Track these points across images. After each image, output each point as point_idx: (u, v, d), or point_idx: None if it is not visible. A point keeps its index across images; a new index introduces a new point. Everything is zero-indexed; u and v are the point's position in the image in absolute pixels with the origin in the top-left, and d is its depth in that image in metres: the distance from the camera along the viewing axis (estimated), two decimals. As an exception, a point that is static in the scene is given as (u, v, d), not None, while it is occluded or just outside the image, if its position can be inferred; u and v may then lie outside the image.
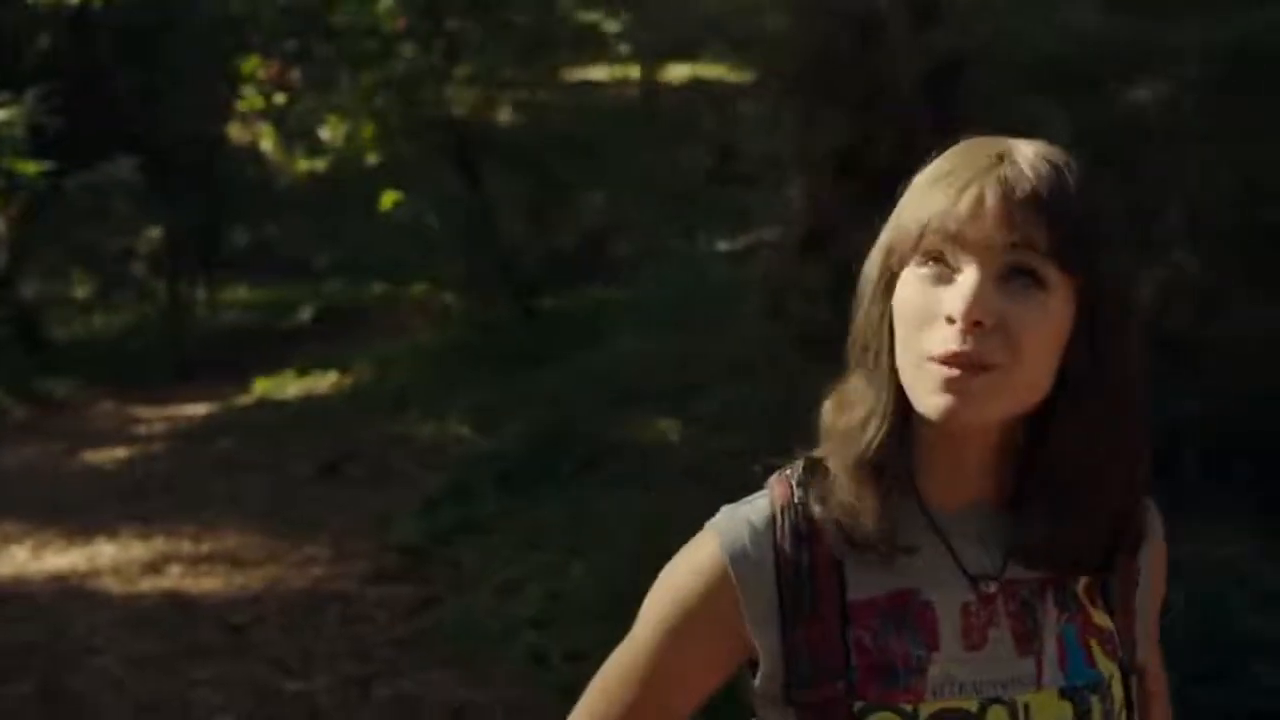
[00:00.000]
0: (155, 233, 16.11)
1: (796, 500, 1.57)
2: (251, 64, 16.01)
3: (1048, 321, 1.49)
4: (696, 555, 1.60)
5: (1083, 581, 1.61)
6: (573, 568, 6.23)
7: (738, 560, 1.56)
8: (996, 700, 1.54)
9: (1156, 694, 1.74)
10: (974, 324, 1.47)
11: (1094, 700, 1.57)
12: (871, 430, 1.54)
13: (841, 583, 1.56)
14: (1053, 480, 1.54)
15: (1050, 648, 1.58)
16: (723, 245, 6.92)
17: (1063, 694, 1.57)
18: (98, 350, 14.46)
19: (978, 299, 1.47)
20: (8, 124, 10.87)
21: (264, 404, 10.80)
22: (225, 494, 8.29)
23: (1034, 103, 5.89)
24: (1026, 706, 1.55)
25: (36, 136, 11.89)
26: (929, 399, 1.49)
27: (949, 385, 1.47)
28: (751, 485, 1.62)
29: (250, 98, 16.38)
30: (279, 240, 17.37)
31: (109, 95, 15.03)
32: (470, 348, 10.64)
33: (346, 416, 9.74)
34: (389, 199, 13.81)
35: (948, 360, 1.47)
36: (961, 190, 1.50)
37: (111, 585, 6.94)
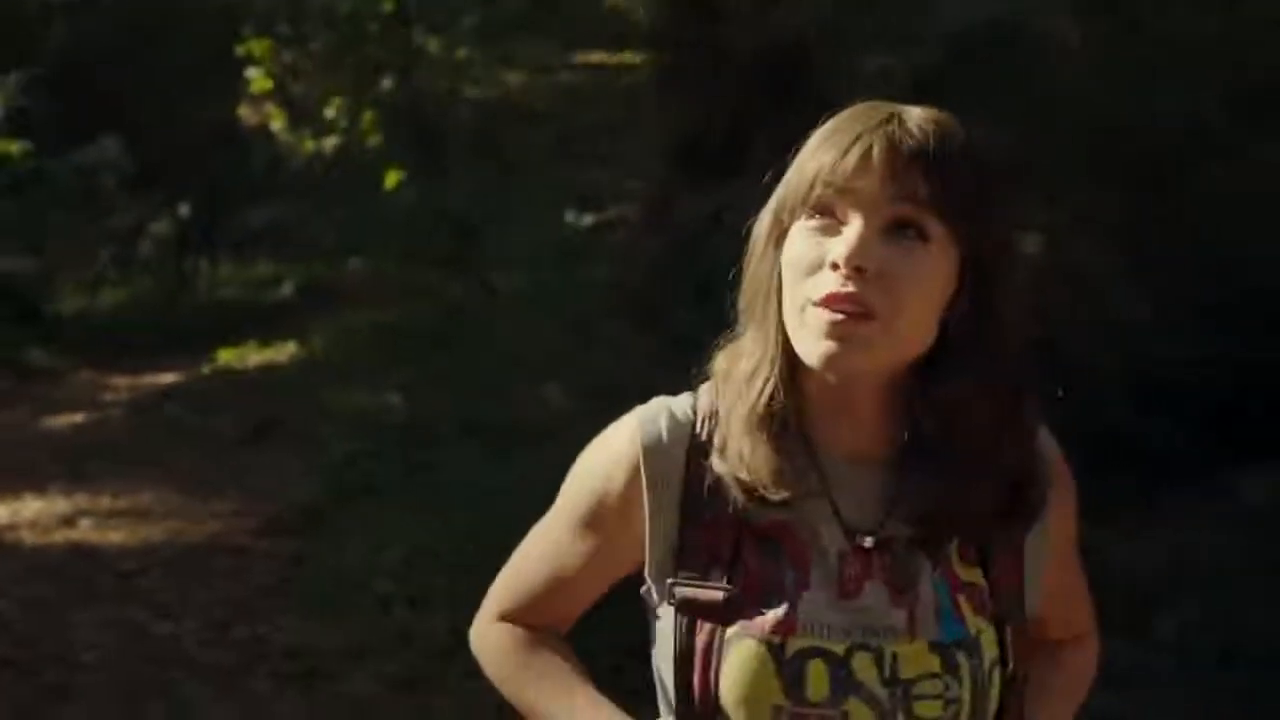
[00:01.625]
0: (159, 212, 16.66)
1: (713, 425, 1.62)
2: (261, 46, 16.43)
3: (929, 273, 1.54)
4: (614, 441, 1.67)
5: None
6: (440, 526, 6.60)
7: (651, 451, 1.62)
8: (864, 647, 1.57)
9: (1065, 641, 1.75)
10: (856, 270, 1.51)
11: (961, 657, 1.59)
12: (760, 382, 1.58)
13: (739, 510, 1.60)
14: (933, 440, 1.57)
15: (926, 601, 1.60)
16: (582, 220, 7.31)
17: (933, 648, 1.59)
18: (95, 324, 14.95)
19: (860, 246, 1.52)
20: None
21: (222, 373, 11.23)
22: (155, 455, 8.72)
23: (875, 79, 6.14)
24: (895, 656, 1.58)
25: (22, 118, 12.39)
26: (811, 344, 1.54)
27: (830, 330, 1.52)
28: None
29: (258, 79, 16.83)
30: (290, 220, 17.84)
31: (106, 79, 15.47)
32: (425, 323, 11.01)
33: (290, 385, 10.14)
34: (393, 178, 14.23)
35: (828, 302, 1.52)
36: (849, 145, 1.55)
37: (26, 537, 7.37)
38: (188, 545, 7.11)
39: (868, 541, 1.59)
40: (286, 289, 14.75)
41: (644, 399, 1.70)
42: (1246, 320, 5.99)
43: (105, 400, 11.02)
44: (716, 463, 1.58)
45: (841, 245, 1.52)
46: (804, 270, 1.55)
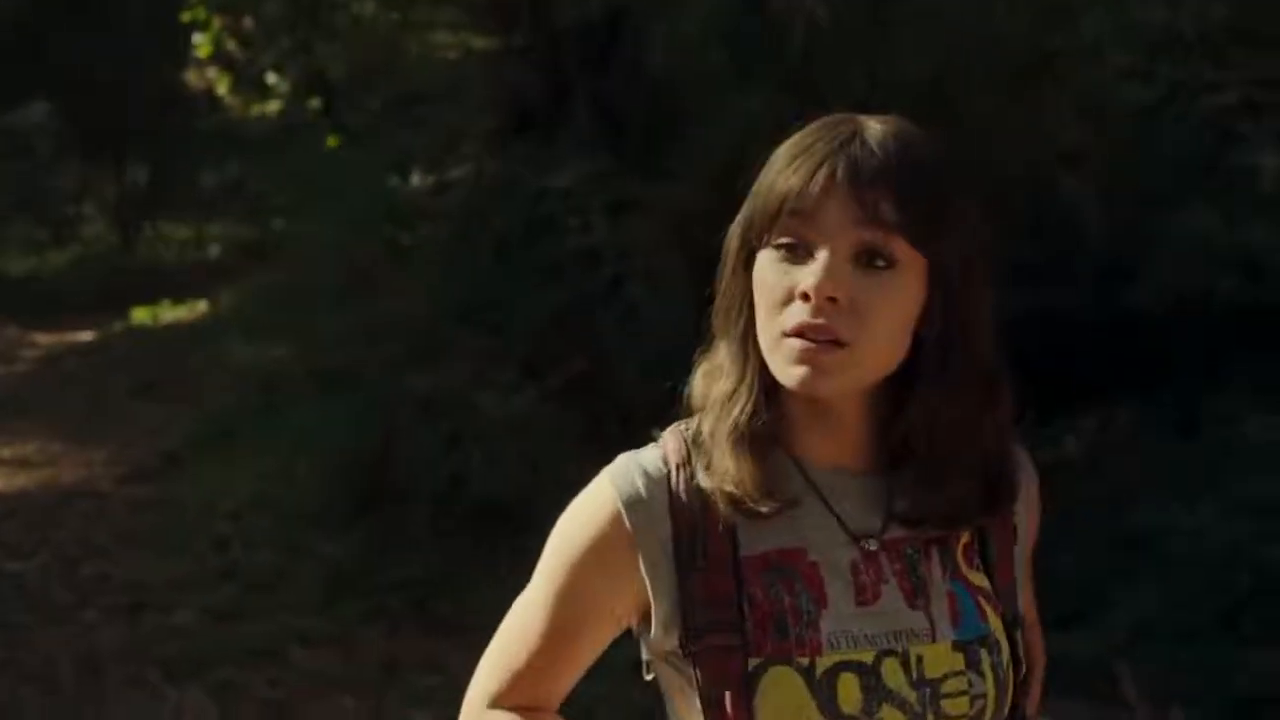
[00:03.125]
0: (103, 176, 17.13)
1: (691, 459, 1.61)
2: (200, 12, 16.81)
3: (897, 299, 1.55)
4: (590, 503, 1.64)
5: (961, 542, 1.66)
6: (279, 473, 7.11)
7: (631, 506, 1.60)
8: (891, 652, 1.58)
9: (1033, 642, 1.77)
10: (827, 300, 1.53)
11: (983, 653, 1.62)
12: (743, 400, 1.59)
13: (734, 541, 1.59)
14: (919, 445, 1.60)
15: (941, 603, 1.62)
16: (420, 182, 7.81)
17: (955, 646, 1.61)
18: (33, 284, 15.46)
19: (829, 277, 1.53)
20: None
21: (133, 331, 11.73)
22: (48, 407, 9.23)
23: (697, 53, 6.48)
24: (920, 658, 1.59)
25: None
26: (786, 370, 1.55)
27: (803, 358, 1.54)
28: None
29: (203, 44, 17.25)
30: (231, 184, 18.29)
31: (55, 44, 15.84)
32: (329, 286, 11.47)
33: (190, 342, 10.64)
34: (333, 142, 14.69)
35: (800, 331, 1.54)
36: (814, 170, 1.55)
37: (-94, 483, 7.89)
38: (57, 490, 7.63)
39: (872, 544, 1.61)
40: (214, 250, 15.23)
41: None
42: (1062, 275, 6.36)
43: (19, 355, 11.52)
44: (703, 479, 1.59)
45: (811, 276, 1.54)
46: (776, 300, 1.56)
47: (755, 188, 1.61)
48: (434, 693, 5.28)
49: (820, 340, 1.53)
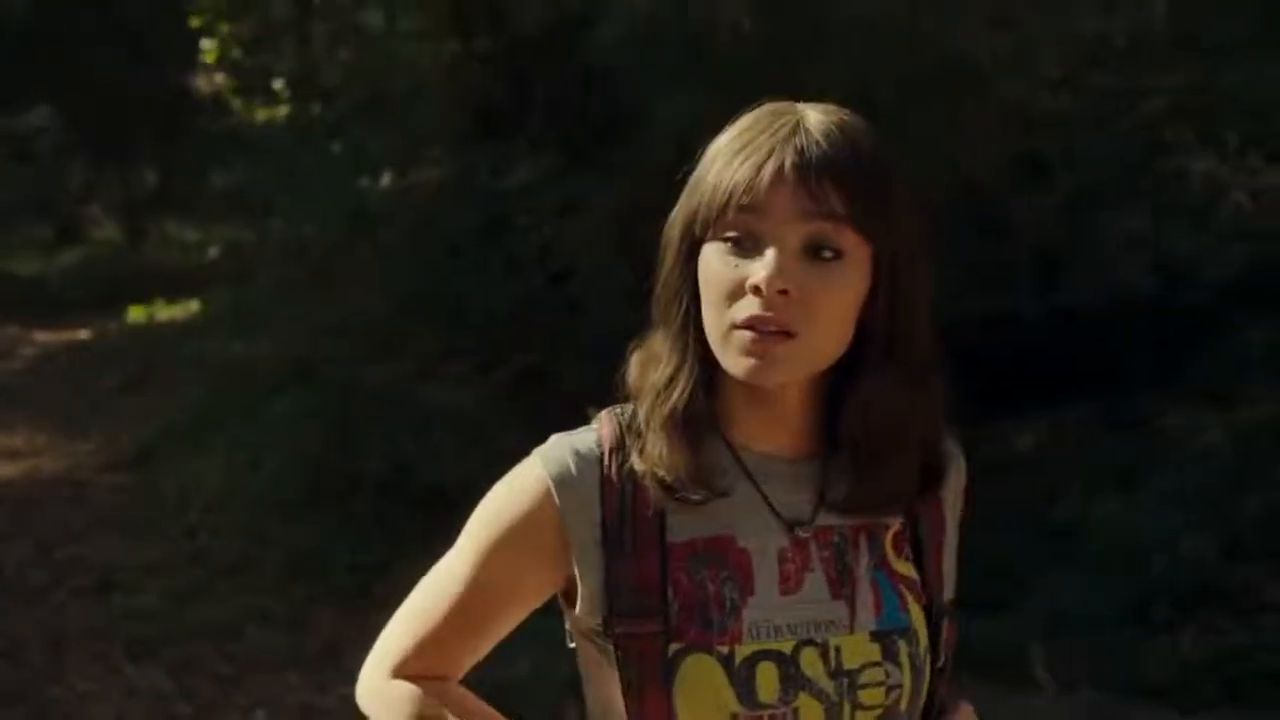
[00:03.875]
0: (112, 178, 17.46)
1: (625, 443, 1.61)
2: (200, 19, 17.09)
3: (845, 289, 1.57)
4: (520, 479, 1.63)
5: (891, 530, 1.67)
6: (249, 466, 7.37)
7: (562, 484, 1.60)
8: (810, 642, 1.60)
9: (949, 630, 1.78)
10: (778, 293, 1.54)
11: (901, 644, 1.63)
12: (680, 387, 1.60)
13: (662, 526, 1.60)
14: (856, 432, 1.61)
15: (864, 592, 1.63)
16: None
17: (873, 637, 1.62)
18: (40, 284, 15.78)
19: (779, 270, 1.54)
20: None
21: (127, 330, 12.02)
22: (39, 402, 9.52)
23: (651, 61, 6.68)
24: (838, 648, 1.60)
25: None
26: (735, 361, 1.56)
27: (753, 349, 1.55)
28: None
29: (210, 49, 17.53)
30: (235, 186, 18.59)
31: (70, 45, 16.10)
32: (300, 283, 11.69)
33: (180, 340, 10.92)
34: (337, 146, 14.98)
35: (750, 324, 1.55)
36: (760, 164, 1.55)
37: (-101, 471, 8.18)
38: (40, 479, 7.91)
39: (804, 532, 1.61)
40: (213, 251, 15.51)
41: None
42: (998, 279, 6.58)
43: (17, 353, 11.82)
44: (636, 463, 1.59)
45: (763, 270, 1.55)
46: (724, 292, 1.57)
47: (696, 178, 1.61)
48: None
49: (771, 332, 1.55)
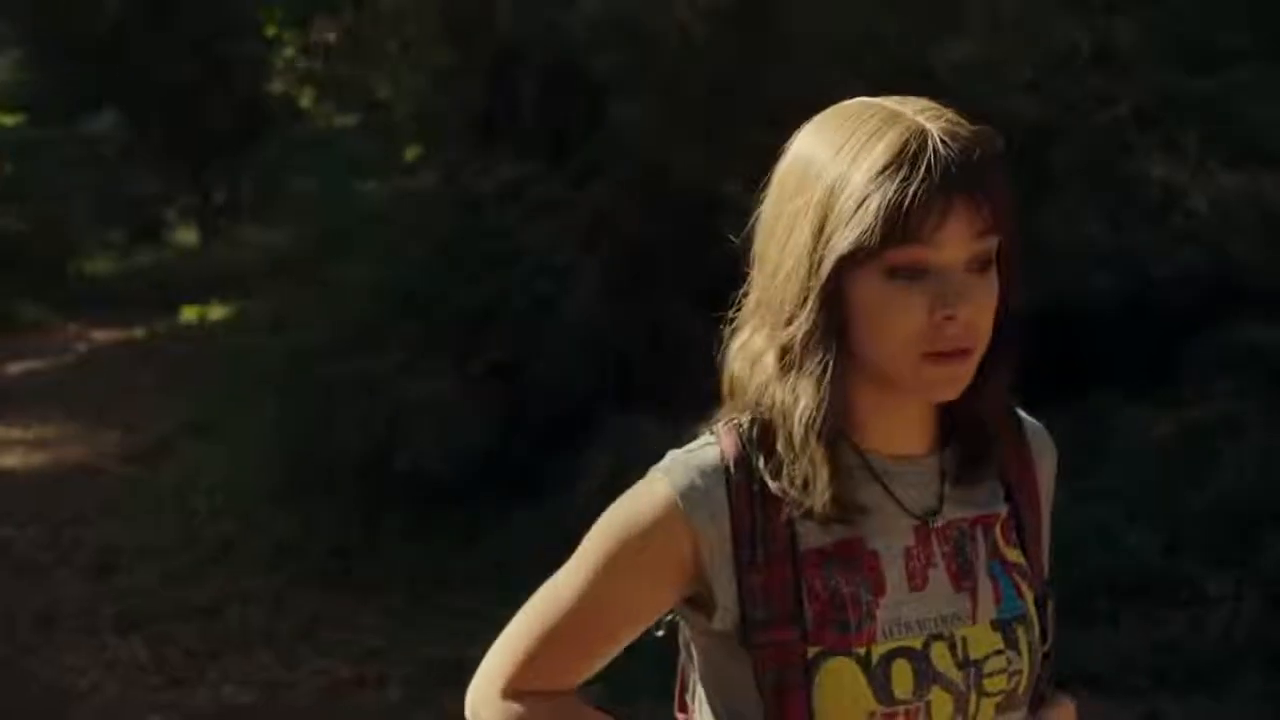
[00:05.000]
0: (186, 181, 17.97)
1: (749, 457, 1.63)
2: (272, 26, 17.49)
3: (996, 293, 1.60)
4: (647, 496, 1.65)
5: (1000, 519, 1.71)
6: (250, 459, 7.67)
7: (690, 501, 1.62)
8: (938, 636, 1.64)
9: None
10: (967, 320, 1.56)
11: (1020, 631, 1.67)
12: (822, 405, 1.59)
13: (793, 534, 1.62)
14: (983, 414, 1.67)
15: (984, 584, 1.67)
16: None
17: (994, 626, 1.66)
18: (108, 286, 16.29)
19: (967, 300, 1.56)
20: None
21: (178, 329, 12.42)
22: (78, 394, 9.92)
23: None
24: (964, 639, 1.65)
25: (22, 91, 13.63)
26: (929, 388, 1.60)
27: (946, 374, 1.58)
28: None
29: (287, 55, 17.96)
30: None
31: (141, 50, 16.55)
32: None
33: (223, 339, 11.29)
34: (412, 153, 15.34)
35: (949, 353, 1.57)
36: (916, 193, 1.53)
37: (-64, 459, 8.60)
38: (62, 467, 8.29)
39: (938, 521, 1.66)
40: (276, 254, 15.91)
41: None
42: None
43: (71, 349, 12.26)
44: (768, 480, 1.61)
45: (953, 300, 1.56)
46: (903, 322, 1.56)
47: (825, 201, 1.58)
48: (341, 646, 5.87)
49: (958, 354, 1.58)
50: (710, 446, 1.64)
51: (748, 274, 1.67)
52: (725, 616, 1.62)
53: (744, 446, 1.63)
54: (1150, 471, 6.06)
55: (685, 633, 1.71)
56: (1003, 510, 1.71)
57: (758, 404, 1.63)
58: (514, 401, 6.37)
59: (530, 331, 6.40)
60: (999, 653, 1.65)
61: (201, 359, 10.68)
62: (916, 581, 1.64)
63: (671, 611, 1.69)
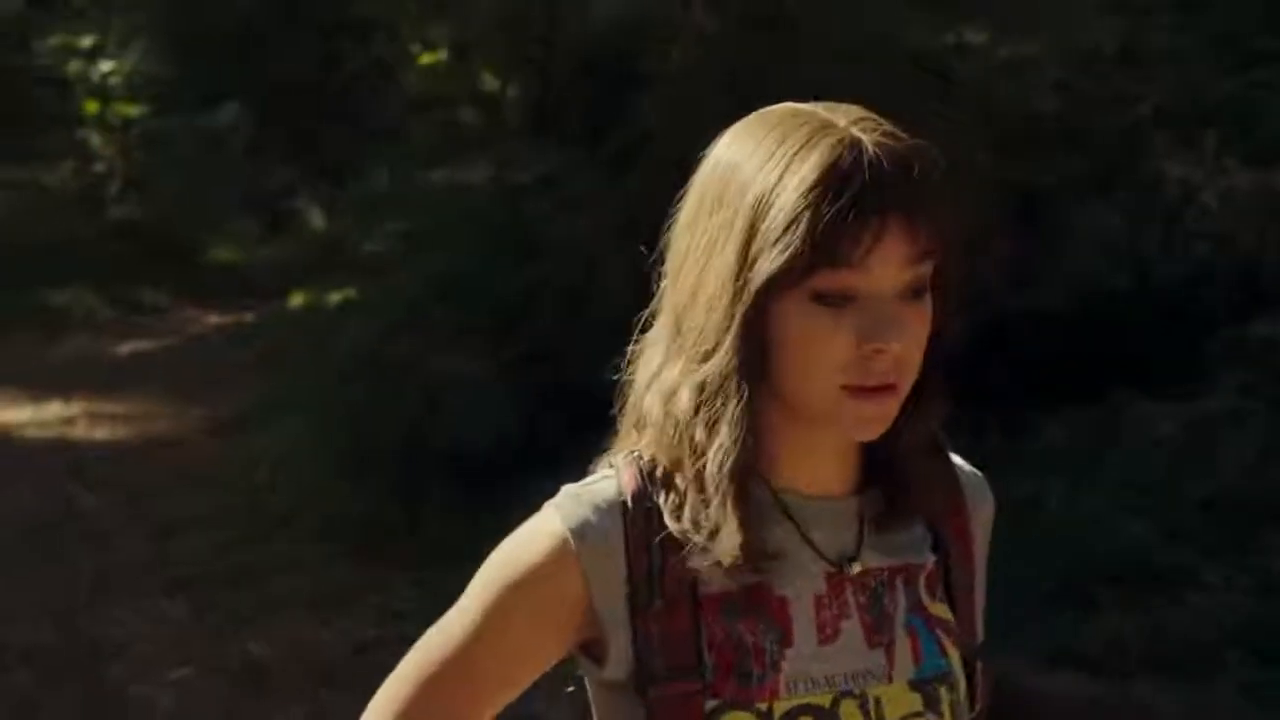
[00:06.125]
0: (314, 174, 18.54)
1: (649, 492, 1.53)
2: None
3: (928, 323, 1.50)
4: (535, 535, 1.55)
5: (925, 571, 1.60)
6: (313, 436, 8.04)
7: (583, 539, 1.52)
8: (848, 694, 1.53)
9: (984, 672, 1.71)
10: (897, 355, 1.46)
11: (942, 691, 1.57)
12: (738, 444, 1.49)
13: (694, 578, 1.52)
14: (905, 450, 1.55)
15: (901, 640, 1.57)
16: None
17: (912, 686, 1.56)
18: (234, 273, 16.89)
19: (898, 331, 1.46)
20: (112, 74, 13.29)
21: (286, 313, 12.90)
22: (174, 373, 10.41)
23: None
24: (877, 700, 1.54)
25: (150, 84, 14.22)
26: (851, 425, 1.49)
27: (870, 413, 1.48)
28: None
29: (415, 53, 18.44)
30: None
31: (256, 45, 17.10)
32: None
33: (324, 324, 11.72)
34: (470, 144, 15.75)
35: (878, 390, 1.47)
36: (847, 215, 1.43)
37: (33, 432, 9.11)
38: (145, 440, 8.77)
39: (855, 567, 1.55)
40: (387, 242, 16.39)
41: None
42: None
43: (182, 332, 12.79)
44: (669, 520, 1.51)
45: (882, 331, 1.45)
46: (826, 355, 1.47)
47: (750, 218, 1.47)
48: (371, 611, 6.26)
49: (884, 389, 1.48)
50: (608, 480, 1.56)
51: (659, 286, 1.58)
52: (619, 665, 1.54)
53: (644, 481, 1.54)
54: (1154, 464, 6.19)
55: (579, 678, 1.63)
56: (928, 561, 1.61)
57: (667, 437, 1.54)
58: (543, 385, 6.68)
59: (558, 318, 6.72)
60: (917, 715, 1.56)
61: (294, 342, 11.13)
62: (827, 633, 1.55)
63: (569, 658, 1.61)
